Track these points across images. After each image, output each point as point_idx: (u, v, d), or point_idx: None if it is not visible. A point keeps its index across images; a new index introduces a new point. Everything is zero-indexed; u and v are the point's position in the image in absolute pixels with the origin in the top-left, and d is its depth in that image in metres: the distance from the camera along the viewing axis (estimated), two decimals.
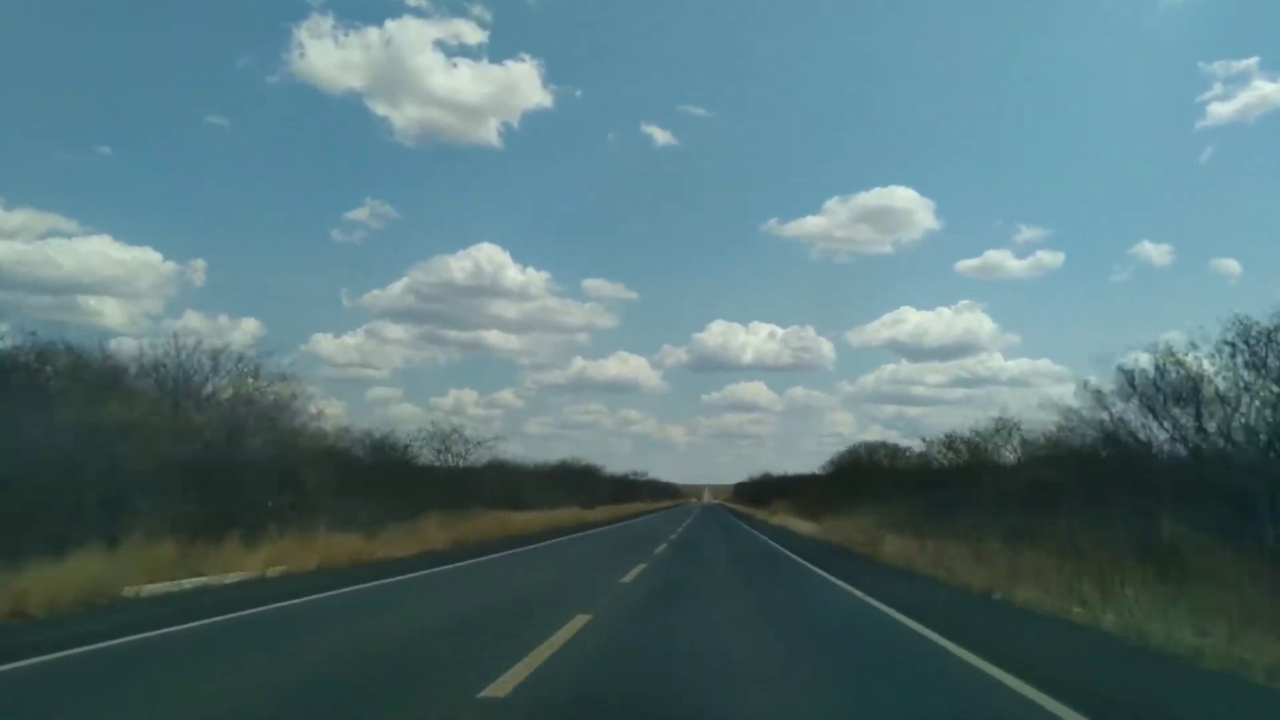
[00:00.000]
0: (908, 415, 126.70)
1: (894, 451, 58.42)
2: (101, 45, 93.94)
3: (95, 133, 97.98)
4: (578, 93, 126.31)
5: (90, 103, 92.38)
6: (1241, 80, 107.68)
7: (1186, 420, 13.73)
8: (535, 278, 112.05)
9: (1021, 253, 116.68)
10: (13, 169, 69.28)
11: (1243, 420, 12.95)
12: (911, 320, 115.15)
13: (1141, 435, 14.88)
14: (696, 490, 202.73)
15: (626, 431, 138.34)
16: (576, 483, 56.78)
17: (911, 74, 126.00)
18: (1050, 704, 5.70)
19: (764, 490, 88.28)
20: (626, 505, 65.60)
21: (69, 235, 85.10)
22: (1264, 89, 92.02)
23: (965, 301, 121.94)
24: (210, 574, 12.47)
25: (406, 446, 28.29)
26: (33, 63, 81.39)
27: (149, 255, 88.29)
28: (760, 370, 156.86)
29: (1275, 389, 12.26)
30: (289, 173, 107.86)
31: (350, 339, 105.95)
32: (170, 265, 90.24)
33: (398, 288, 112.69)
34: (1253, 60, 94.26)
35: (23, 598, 9.20)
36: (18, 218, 78.16)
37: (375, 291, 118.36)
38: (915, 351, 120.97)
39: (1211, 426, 13.36)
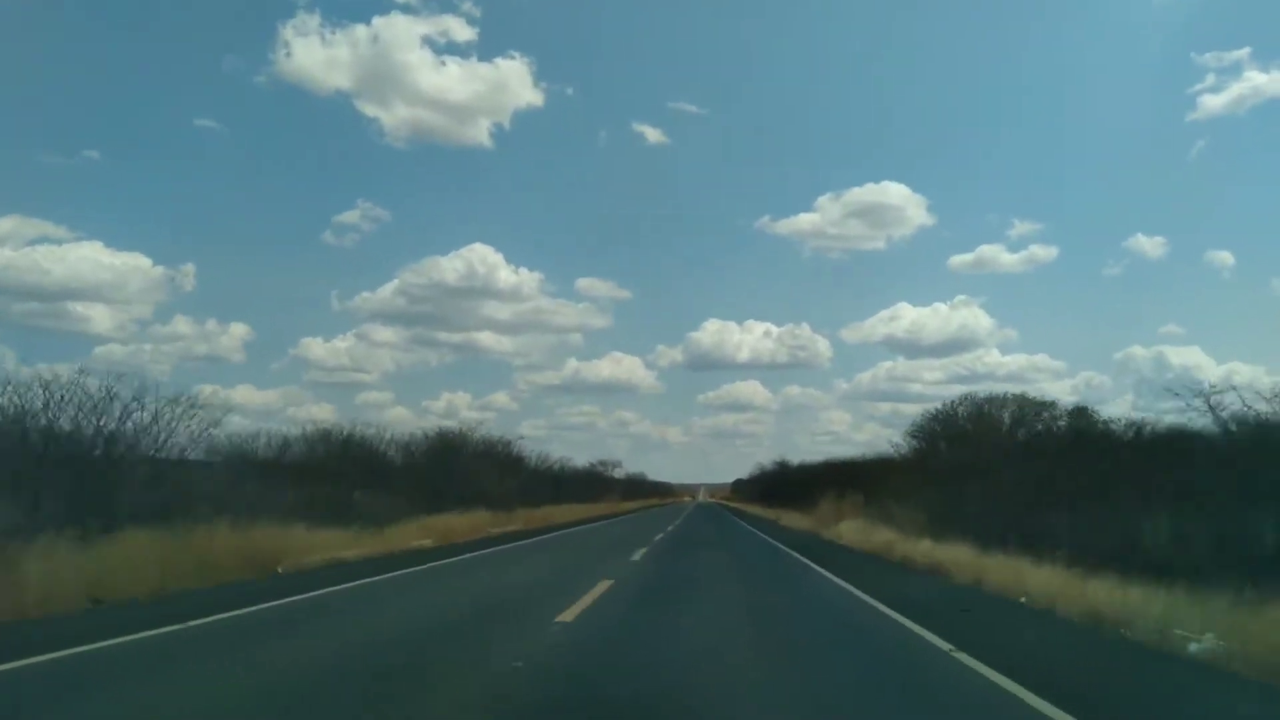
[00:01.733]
0: (904, 413, 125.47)
1: (1025, 408, 31.44)
2: (85, 47, 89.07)
3: (82, 137, 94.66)
4: (569, 90, 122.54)
5: (76, 106, 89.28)
6: (1234, 71, 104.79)
7: None
8: (528, 278, 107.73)
9: (1015, 247, 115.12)
10: (8, 176, 66.33)
11: None
12: (907, 316, 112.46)
13: None
14: (692, 490, 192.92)
15: (622, 433, 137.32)
16: (455, 473, 29.08)
17: (901, 68, 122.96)
18: None
19: (782, 484, 63.65)
20: (558, 509, 36.86)
21: (58, 241, 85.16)
22: (1256, 79, 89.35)
23: (961, 297, 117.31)
24: None
25: None
26: (16, 67, 76.80)
27: (139, 260, 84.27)
28: (756, 369, 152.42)
29: None
30: (279, 175, 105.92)
31: (340, 342, 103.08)
32: (160, 270, 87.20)
33: (388, 290, 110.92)
34: (1245, 51, 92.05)
35: None
36: (6, 224, 75.71)
37: (365, 294, 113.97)
38: (911, 348, 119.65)
39: None
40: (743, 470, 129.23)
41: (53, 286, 75.29)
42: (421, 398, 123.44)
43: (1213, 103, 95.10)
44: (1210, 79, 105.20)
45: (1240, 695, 6.18)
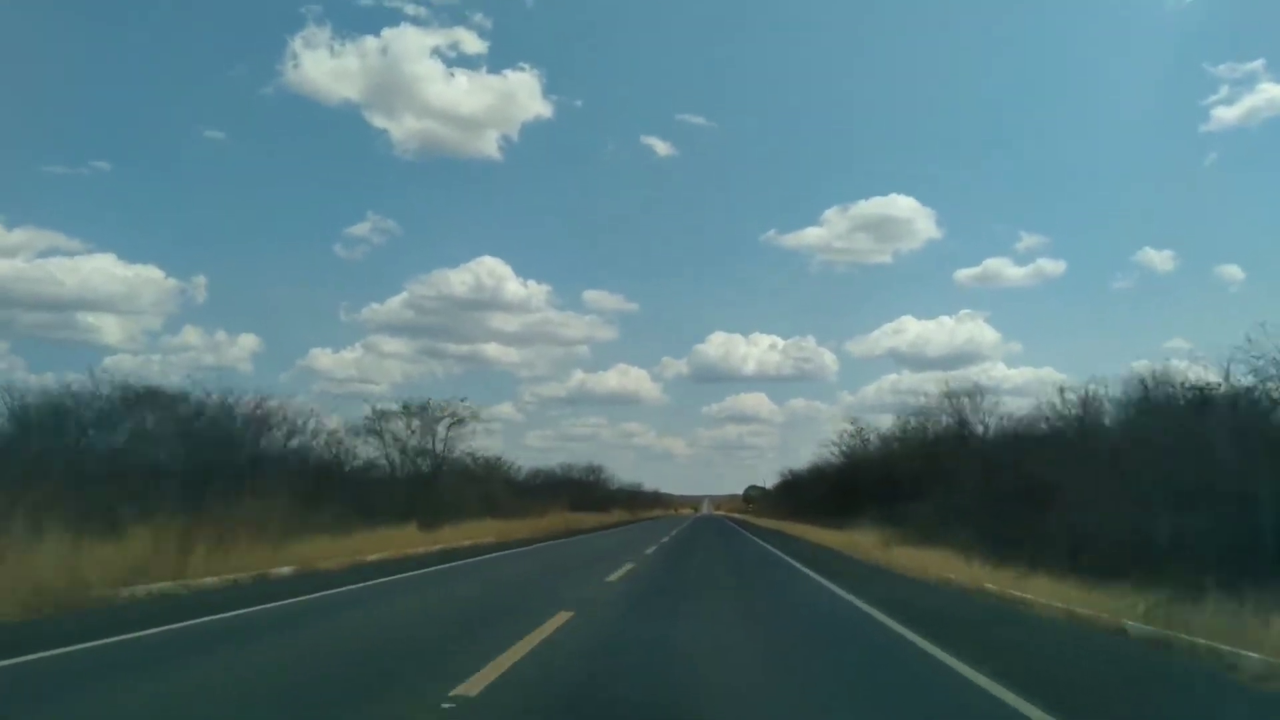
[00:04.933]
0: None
1: None
2: (96, 60, 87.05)
3: (92, 148, 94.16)
4: (578, 102, 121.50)
5: (86, 118, 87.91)
6: (1248, 82, 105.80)
7: None
8: (536, 290, 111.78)
9: (1022, 260, 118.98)
10: (12, 187, 67.87)
11: None
12: (912, 330, 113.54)
13: None
14: (695, 501, 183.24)
15: (627, 444, 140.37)
16: None
17: (909, 80, 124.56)
18: None
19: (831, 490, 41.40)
20: None
21: (70, 254, 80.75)
22: (1271, 91, 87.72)
23: (966, 310, 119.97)
24: None
25: None
26: (26, 80, 75.01)
27: (151, 272, 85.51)
28: (761, 381, 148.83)
29: None
30: (290, 187, 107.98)
31: (349, 354, 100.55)
32: (172, 282, 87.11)
33: (396, 302, 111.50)
34: (1259, 62, 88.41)
35: None
36: (18, 236, 70.98)
37: (374, 305, 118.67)
38: (916, 361, 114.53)
39: None
40: (749, 479, 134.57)
41: (66, 298, 71.65)
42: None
43: (1226, 115, 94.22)
44: (1224, 90, 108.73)
45: None
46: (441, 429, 31.87)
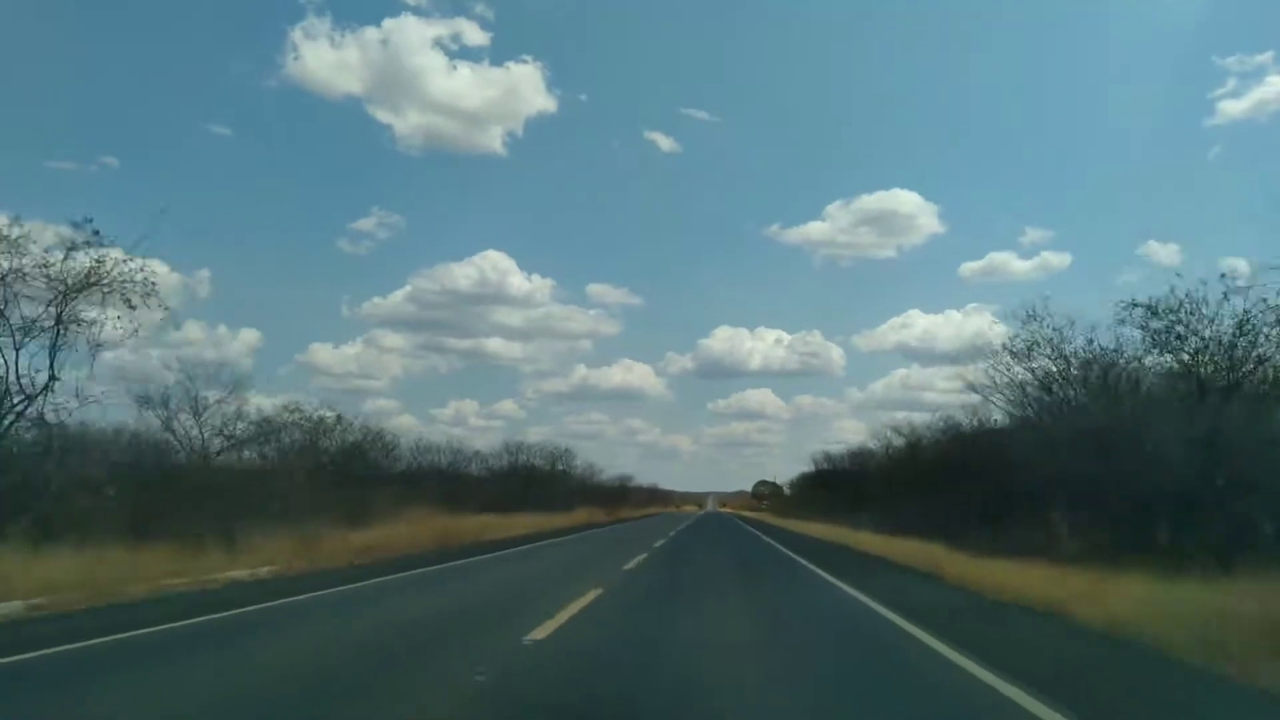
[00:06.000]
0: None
1: None
2: (103, 56, 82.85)
3: (99, 144, 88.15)
4: (582, 97, 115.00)
5: (93, 113, 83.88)
6: (1256, 75, 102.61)
7: None
8: (540, 284, 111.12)
9: (1027, 254, 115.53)
10: (19, 182, 53.00)
11: None
12: (919, 323, 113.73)
13: None
14: (699, 498, 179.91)
15: (631, 441, 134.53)
16: None
17: (911, 74, 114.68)
18: None
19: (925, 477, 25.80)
20: None
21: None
22: (1278, 84, 76.04)
23: (973, 304, 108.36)
24: None
25: None
26: (34, 76, 71.29)
27: (154, 266, 40.49)
28: (767, 376, 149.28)
29: None
30: (297, 181, 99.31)
31: (349, 349, 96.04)
32: (176, 277, 58.89)
33: (399, 296, 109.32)
34: (1268, 54, 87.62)
35: None
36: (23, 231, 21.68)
37: (376, 299, 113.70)
38: (926, 356, 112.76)
39: None
40: (756, 476, 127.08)
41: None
42: (428, 405, 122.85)
43: (1233, 108, 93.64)
44: (1231, 83, 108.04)
45: None
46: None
